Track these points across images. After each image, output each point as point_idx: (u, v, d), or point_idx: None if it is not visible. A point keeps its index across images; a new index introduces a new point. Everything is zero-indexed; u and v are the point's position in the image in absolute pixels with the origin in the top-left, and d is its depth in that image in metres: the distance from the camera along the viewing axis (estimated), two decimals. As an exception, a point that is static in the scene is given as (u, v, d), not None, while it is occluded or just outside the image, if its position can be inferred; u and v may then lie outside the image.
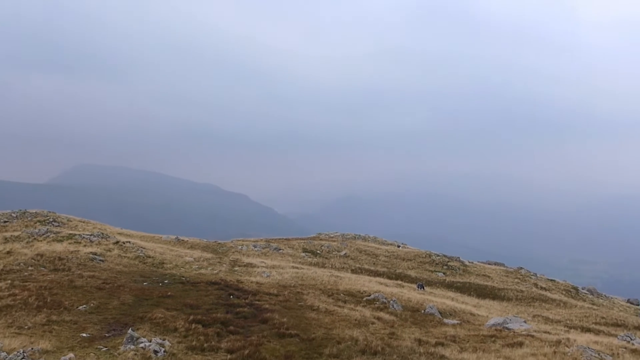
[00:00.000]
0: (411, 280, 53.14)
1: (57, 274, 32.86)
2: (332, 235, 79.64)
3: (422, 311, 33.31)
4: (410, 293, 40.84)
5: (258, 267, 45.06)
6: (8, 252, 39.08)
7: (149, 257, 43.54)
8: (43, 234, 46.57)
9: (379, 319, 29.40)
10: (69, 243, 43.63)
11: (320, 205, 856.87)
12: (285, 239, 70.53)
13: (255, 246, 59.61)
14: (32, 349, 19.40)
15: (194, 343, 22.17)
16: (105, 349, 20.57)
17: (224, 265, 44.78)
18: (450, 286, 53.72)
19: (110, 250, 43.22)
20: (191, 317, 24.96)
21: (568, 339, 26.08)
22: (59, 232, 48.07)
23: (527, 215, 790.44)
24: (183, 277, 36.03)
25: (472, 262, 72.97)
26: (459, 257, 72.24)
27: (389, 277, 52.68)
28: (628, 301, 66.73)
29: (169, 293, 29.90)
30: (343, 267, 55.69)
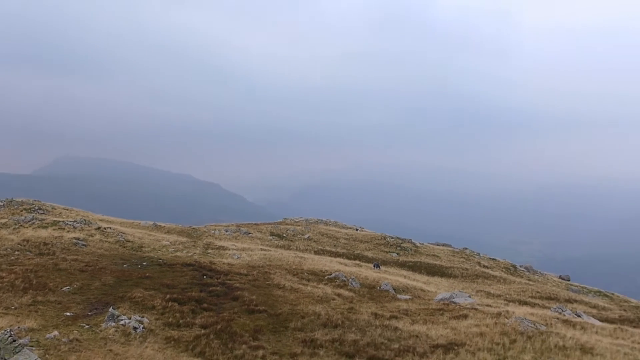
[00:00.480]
0: (368, 260, 53.44)
1: (42, 257, 32.23)
2: (297, 220, 79.60)
3: (378, 288, 33.58)
4: (367, 272, 41.09)
5: (229, 249, 44.83)
6: (-5, 238, 38.22)
7: (129, 241, 42.95)
8: (29, 221, 45.53)
9: (339, 295, 29.56)
10: (54, 229, 42.73)
11: (287, 193, 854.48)
12: (255, 224, 70.28)
13: (226, 231, 59.31)
14: (18, 327, 19.04)
15: (170, 320, 22.04)
16: (87, 326, 20.30)
17: (198, 248, 44.45)
18: (403, 265, 54.18)
19: (92, 236, 42.50)
20: (168, 296, 24.77)
21: (507, 311, 26.51)
22: (43, 219, 47.03)
23: (472, 201, 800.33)
24: (160, 259, 35.67)
25: (423, 244, 73.64)
26: (411, 239, 72.85)
27: (348, 258, 52.91)
28: (560, 277, 68.08)
29: (147, 274, 29.59)
30: (307, 249, 55.79)
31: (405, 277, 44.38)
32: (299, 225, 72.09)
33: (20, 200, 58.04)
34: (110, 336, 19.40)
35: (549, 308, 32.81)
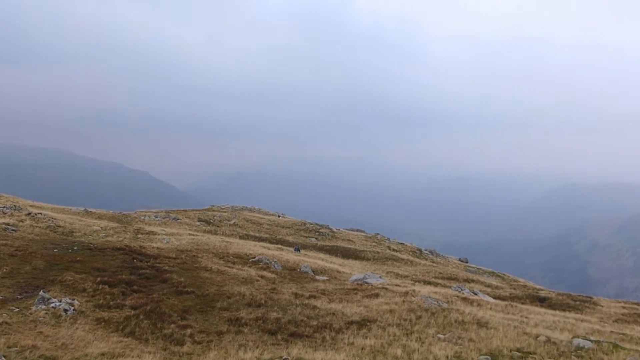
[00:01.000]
0: (289, 244, 53.57)
1: (-29, 242, 30.39)
2: (223, 207, 78.64)
3: (298, 270, 33.71)
4: (288, 255, 41.16)
5: (159, 234, 43.71)
6: None
7: (60, 226, 41.06)
8: (-44, 208, 42.82)
9: (262, 277, 29.48)
10: (-17, 215, 40.42)
11: (214, 181, 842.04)
12: (183, 210, 68.87)
13: (156, 216, 57.82)
14: (-53, 310, 17.94)
15: (101, 301, 21.29)
16: (17, 309, 19.30)
17: (129, 233, 43.05)
18: (321, 249, 54.64)
19: (22, 221, 40.32)
20: (98, 279, 23.89)
21: (414, 290, 27.23)
22: (-29, 205, 44.37)
23: (385, 191, 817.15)
24: (91, 244, 34.28)
25: (339, 229, 74.49)
26: (328, 225, 73.50)
27: (271, 242, 52.84)
28: (459, 260, 70.41)
29: (78, 258, 28.40)
30: (232, 234, 55.25)
31: (323, 260, 44.75)
32: (225, 212, 71.27)
33: (-53, 186, 54.46)
34: (40, 319, 18.53)
35: (450, 287, 33.94)
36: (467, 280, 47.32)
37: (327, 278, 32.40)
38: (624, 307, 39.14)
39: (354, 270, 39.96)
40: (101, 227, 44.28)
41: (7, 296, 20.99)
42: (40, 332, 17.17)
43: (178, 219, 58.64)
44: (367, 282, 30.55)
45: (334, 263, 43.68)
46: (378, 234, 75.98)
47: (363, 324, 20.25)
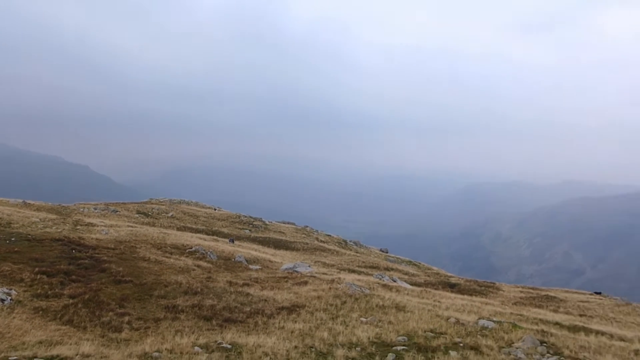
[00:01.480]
0: (224, 235, 52.96)
1: None
2: (161, 200, 76.66)
3: (233, 259, 33.41)
4: (223, 246, 40.68)
5: (98, 226, 42.08)
6: None
7: (-3, 218, 38.85)
8: None
9: (198, 266, 29.01)
10: None
11: (153, 176, 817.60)
12: (122, 203, 66.65)
13: (95, 209, 55.67)
14: None
15: (39, 291, 20.30)
16: (-47, 298, 18.16)
17: (68, 224, 41.17)
18: (254, 240, 54.33)
19: (-42, 212, 37.94)
20: (36, 269, 22.75)
21: (339, 278, 27.58)
22: None
23: (314, 186, 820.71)
24: (30, 235, 32.57)
25: (271, 222, 74.29)
26: (261, 218, 73.16)
27: (207, 234, 52.05)
28: (380, 250, 71.76)
29: (16, 249, 26.93)
30: (170, 226, 53.99)
31: (256, 250, 44.54)
32: (163, 205, 69.55)
33: None
34: (-23, 308, 17.52)
35: (372, 275, 34.60)
36: (387, 269, 48.30)
37: (260, 267, 32.27)
38: (521, 292, 41.25)
39: (284, 260, 39.98)
40: (40, 219, 42.16)
41: (-58, 286, 19.70)
42: (-23, 322, 16.22)
43: (117, 212, 56.72)
44: (297, 271, 30.66)
45: (266, 253, 43.55)
46: (307, 226, 76.32)
47: (293, 309, 20.33)
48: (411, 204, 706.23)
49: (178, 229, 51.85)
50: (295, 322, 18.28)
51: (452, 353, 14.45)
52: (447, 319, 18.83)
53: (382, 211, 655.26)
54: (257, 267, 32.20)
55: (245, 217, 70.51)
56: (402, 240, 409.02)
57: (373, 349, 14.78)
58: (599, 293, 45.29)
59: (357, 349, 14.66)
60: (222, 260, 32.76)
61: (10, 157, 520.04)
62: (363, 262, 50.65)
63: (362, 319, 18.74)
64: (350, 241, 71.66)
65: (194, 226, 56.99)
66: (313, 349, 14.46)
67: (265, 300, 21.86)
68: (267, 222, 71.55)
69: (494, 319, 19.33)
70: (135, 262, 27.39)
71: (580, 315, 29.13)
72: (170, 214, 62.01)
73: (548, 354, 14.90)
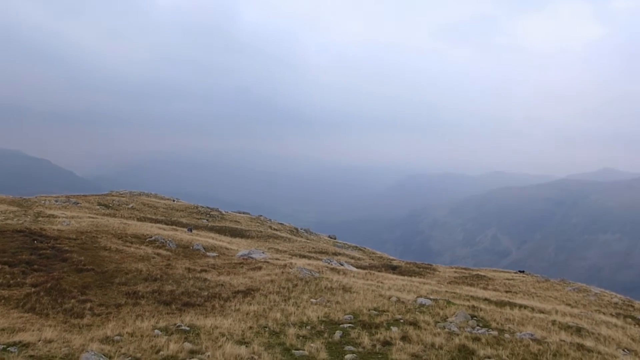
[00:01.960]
0: (183, 225, 52.00)
1: None
2: (122, 193, 74.44)
3: (191, 247, 32.88)
4: (182, 235, 39.96)
5: (59, 217, 40.44)
6: None
7: (-43, 211, 36.81)
8: None
9: (158, 254, 28.40)
10: None
11: (115, 170, 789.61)
12: (83, 195, 64.30)
13: (57, 201, 53.50)
14: None
15: (1, 281, 19.43)
16: None
17: (29, 216, 39.42)
18: (211, 229, 53.65)
19: None
20: (-2, 260, 21.80)
21: (291, 263, 27.64)
22: None
23: (268, 178, 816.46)
24: (-10, 227, 31.07)
25: (228, 212, 73.49)
26: (218, 208, 72.27)
27: (166, 224, 50.96)
28: (329, 236, 72.40)
29: (-23, 241, 25.67)
30: (130, 217, 52.53)
31: (213, 238, 43.99)
32: (123, 197, 67.59)
33: None
34: (-63, 298, 16.59)
35: (321, 259, 34.87)
36: (335, 254, 48.74)
37: (217, 254, 31.93)
38: (455, 272, 42.49)
39: (240, 247, 39.70)
40: (1, 211, 40.23)
41: None
42: (-63, 312, 15.37)
43: (78, 203, 54.73)
44: (251, 257, 30.53)
45: (223, 241, 43.09)
46: (261, 215, 75.96)
47: (248, 292, 20.24)
48: (356, 194, 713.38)
49: (138, 220, 50.53)
50: (250, 304, 18.21)
51: (394, 329, 14.77)
52: (389, 298, 19.20)
53: (331, 201, 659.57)
54: (215, 254, 31.84)
55: (203, 207, 69.48)
56: (349, 227, 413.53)
57: (322, 327, 14.92)
58: (523, 271, 47.21)
59: (307, 327, 14.77)
60: (181, 248, 32.19)
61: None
62: (313, 248, 50.91)
63: (312, 300, 18.85)
64: (301, 229, 71.84)
65: (153, 217, 55.69)
66: (267, 329, 14.47)
67: (222, 284, 21.66)
68: (224, 212, 70.76)
69: (431, 297, 19.85)
70: (97, 252, 26.55)
71: (506, 292, 30.31)
72: (130, 206, 60.36)
73: (478, 327, 15.44)
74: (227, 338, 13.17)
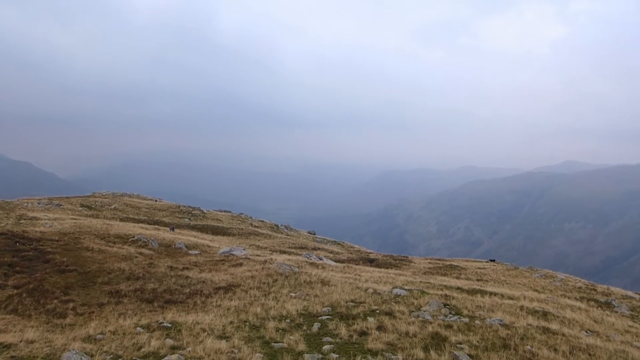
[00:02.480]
0: (165, 224, 51.38)
1: None
2: (104, 194, 73.24)
3: (173, 246, 32.52)
4: (164, 234, 39.49)
5: (42, 219, 39.55)
6: None
7: (-63, 215, 35.70)
8: None
9: (141, 253, 28.02)
10: None
11: (97, 171, 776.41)
12: (66, 197, 63.05)
13: (39, 203, 52.31)
14: None
15: (-18, 284, 18.95)
16: None
17: (11, 219, 38.47)
18: (193, 228, 53.13)
19: None
20: (-21, 263, 21.22)
21: (271, 259, 27.52)
22: None
23: (249, 177, 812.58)
24: (-29, 231, 30.19)
25: (209, 210, 72.91)
26: (199, 207, 71.64)
27: (149, 223, 50.27)
28: (309, 232, 72.36)
29: (-42, 245, 24.96)
30: (113, 217, 51.70)
31: (195, 237, 43.57)
32: (106, 198, 66.50)
33: None
34: None
35: (301, 255, 34.79)
36: (314, 249, 48.75)
37: (199, 252, 31.64)
38: (430, 263, 42.87)
39: (222, 245, 39.40)
40: (-18, 215, 39.21)
41: None
42: None
43: (61, 205, 53.63)
44: (233, 254, 30.34)
45: (204, 239, 42.73)
46: (242, 213, 75.54)
47: (229, 288, 20.11)
48: (334, 191, 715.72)
49: (121, 220, 49.75)
50: (231, 300, 18.10)
51: (370, 319, 14.82)
52: (366, 290, 19.27)
53: (309, 198, 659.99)
54: (196, 252, 31.54)
55: (185, 207, 68.79)
56: (329, 222, 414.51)
57: (301, 320, 14.90)
58: (493, 260, 47.86)
59: (286, 320, 14.73)
60: (164, 247, 31.81)
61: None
62: (293, 243, 50.83)
63: (292, 294, 18.82)
64: (281, 225, 71.67)
65: (136, 217, 54.91)
66: (247, 323, 14.40)
67: (204, 281, 21.47)
68: (205, 211, 70.17)
69: (406, 288, 19.99)
70: (79, 252, 26.05)
71: (478, 280, 30.69)
72: (113, 206, 59.40)
73: (450, 315, 15.60)
74: (208, 333, 13.07)
